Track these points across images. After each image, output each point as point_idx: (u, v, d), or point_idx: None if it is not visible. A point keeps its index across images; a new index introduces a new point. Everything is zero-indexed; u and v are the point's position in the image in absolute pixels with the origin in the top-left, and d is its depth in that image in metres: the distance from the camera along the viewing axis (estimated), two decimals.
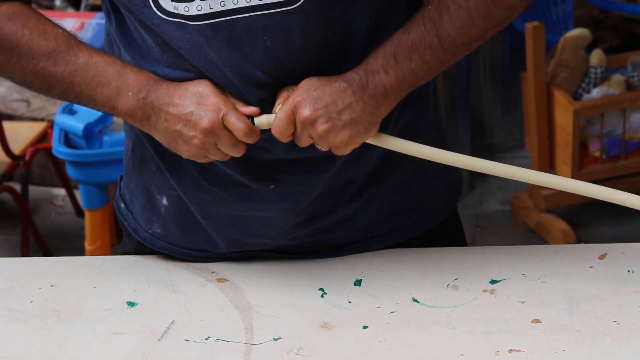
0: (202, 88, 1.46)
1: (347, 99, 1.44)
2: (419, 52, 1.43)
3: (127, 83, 1.47)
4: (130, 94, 1.47)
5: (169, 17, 1.44)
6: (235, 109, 1.45)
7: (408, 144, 1.51)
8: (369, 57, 1.45)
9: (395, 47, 1.43)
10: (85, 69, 1.48)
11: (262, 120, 1.47)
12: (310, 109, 1.43)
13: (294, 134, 1.47)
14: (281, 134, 1.46)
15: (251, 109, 1.47)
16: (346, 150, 1.47)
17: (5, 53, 1.51)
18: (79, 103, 1.52)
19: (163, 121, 1.47)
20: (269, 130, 1.48)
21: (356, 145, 1.48)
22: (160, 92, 1.47)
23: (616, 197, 1.48)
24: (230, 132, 1.45)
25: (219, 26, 1.43)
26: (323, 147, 1.47)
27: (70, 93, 1.50)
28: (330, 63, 1.47)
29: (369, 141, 1.49)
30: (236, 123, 1.44)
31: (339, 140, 1.45)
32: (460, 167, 1.79)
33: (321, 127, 1.44)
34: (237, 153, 1.47)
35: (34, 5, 1.58)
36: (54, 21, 1.53)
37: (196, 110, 1.45)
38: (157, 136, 1.50)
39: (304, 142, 1.47)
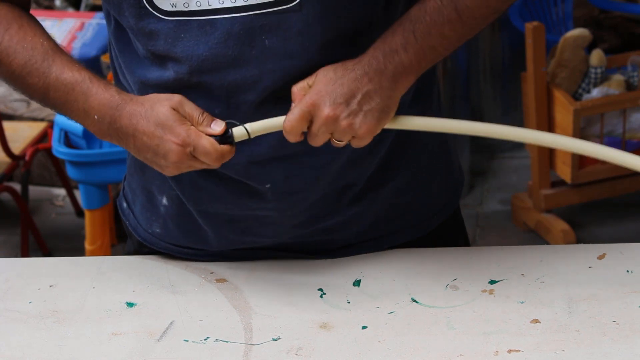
0: (163, 117, 1.43)
1: (364, 87, 1.42)
2: (438, 28, 1.42)
3: (91, 106, 1.47)
4: (95, 117, 1.47)
5: (166, 16, 1.43)
6: (202, 136, 1.42)
7: (426, 120, 1.49)
8: (385, 35, 1.44)
9: (414, 24, 1.42)
10: (56, 85, 1.48)
11: (239, 133, 1.44)
12: (330, 107, 1.41)
13: (309, 131, 1.44)
14: (293, 131, 1.42)
15: (215, 130, 1.43)
16: (368, 140, 1.45)
17: None
18: (57, 113, 1.53)
19: (132, 147, 1.46)
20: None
21: (378, 132, 1.45)
22: (124, 119, 1.45)
23: (621, 158, 1.47)
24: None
25: (218, 23, 1.43)
26: (342, 142, 1.45)
27: (47, 104, 1.51)
28: (330, 63, 1.47)
29: (388, 126, 1.47)
30: (206, 156, 1.42)
31: (364, 131, 1.43)
32: (463, 166, 1.80)
33: (344, 122, 1.42)
34: (215, 167, 1.45)
35: (33, 6, 1.57)
36: (41, 28, 1.52)
37: (162, 143, 1.42)
38: (132, 154, 1.50)
39: (321, 139, 1.44)
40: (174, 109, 1.43)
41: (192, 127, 1.43)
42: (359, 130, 1.43)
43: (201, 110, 1.44)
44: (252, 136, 1.45)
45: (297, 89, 1.44)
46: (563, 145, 1.51)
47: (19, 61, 1.48)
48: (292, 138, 1.44)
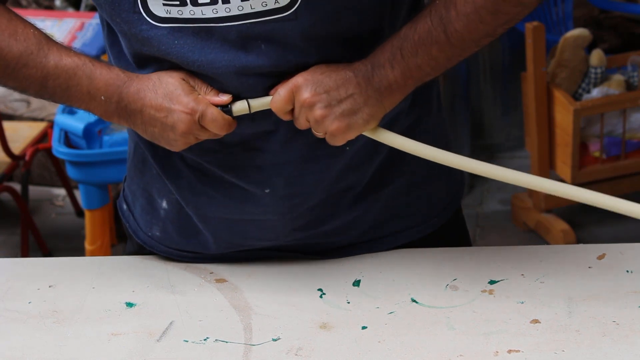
0: (172, 87, 1.45)
1: (350, 88, 1.42)
2: (426, 48, 1.40)
3: (97, 87, 1.47)
4: (102, 97, 1.47)
5: (160, 22, 1.42)
6: (209, 105, 1.45)
7: (405, 141, 1.48)
8: (376, 50, 1.44)
9: (402, 42, 1.42)
10: (56, 71, 1.47)
11: (241, 107, 1.46)
12: (310, 92, 1.42)
13: (293, 114, 1.45)
14: (278, 110, 1.45)
15: (223, 99, 1.46)
16: (340, 140, 1.45)
17: None
18: (55, 102, 1.53)
19: (140, 123, 1.47)
20: (264, 127, 1.47)
21: (352, 137, 1.46)
22: (131, 94, 1.46)
23: (617, 206, 1.46)
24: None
25: (213, 30, 1.42)
26: (319, 133, 1.45)
27: (45, 94, 1.50)
28: None
29: (367, 134, 1.47)
30: (214, 122, 1.44)
31: (334, 128, 1.43)
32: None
33: (318, 112, 1.42)
34: (221, 135, 1.47)
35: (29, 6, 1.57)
36: (27, 20, 1.51)
37: (170, 114, 1.44)
38: (140, 133, 1.50)
39: (301, 123, 1.45)
40: (183, 79, 1.45)
41: (201, 96, 1.45)
42: (329, 126, 1.43)
43: (207, 84, 1.46)
44: (251, 111, 1.46)
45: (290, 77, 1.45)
46: (557, 192, 1.49)
47: (14, 53, 1.47)
48: (280, 115, 1.46)
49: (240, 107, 1.46)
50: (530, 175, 1.49)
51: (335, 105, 1.42)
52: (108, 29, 1.52)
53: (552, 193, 1.48)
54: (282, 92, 1.44)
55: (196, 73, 1.45)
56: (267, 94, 1.47)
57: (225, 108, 1.46)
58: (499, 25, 1.41)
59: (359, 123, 1.44)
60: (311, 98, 1.42)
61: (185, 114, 1.44)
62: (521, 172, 1.49)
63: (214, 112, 1.44)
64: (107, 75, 1.47)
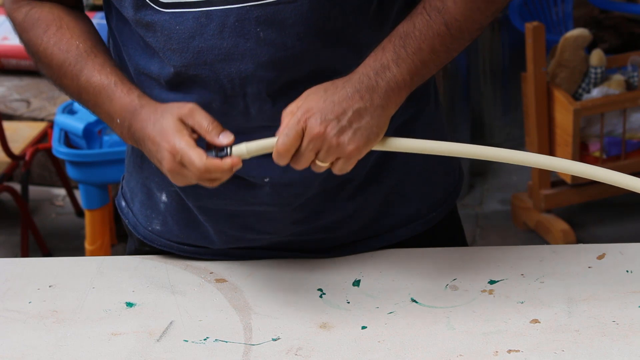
0: (166, 125, 1.42)
1: (355, 104, 1.41)
2: (429, 42, 1.43)
3: (114, 110, 1.48)
4: (118, 120, 1.48)
5: (163, 8, 1.44)
6: (192, 147, 1.39)
7: (414, 142, 1.48)
8: (375, 52, 1.44)
9: (404, 40, 1.43)
10: (87, 88, 1.50)
11: (237, 152, 1.42)
12: (320, 124, 1.40)
13: (296, 153, 1.42)
14: (287, 151, 1.40)
15: (222, 141, 1.41)
16: (352, 164, 1.43)
17: (32, 57, 1.55)
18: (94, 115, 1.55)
19: (146, 152, 1.48)
20: (260, 122, 1.47)
21: (365, 152, 1.44)
22: (138, 123, 1.46)
23: (621, 181, 1.48)
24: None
25: (213, 14, 1.43)
26: (325, 165, 1.43)
27: (82, 105, 1.54)
28: (327, 55, 1.47)
29: (378, 147, 1.45)
30: (191, 165, 1.39)
31: (352, 148, 1.41)
32: (463, 166, 1.80)
33: (333, 139, 1.40)
34: (210, 184, 1.42)
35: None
36: (81, 28, 1.53)
37: (159, 149, 1.42)
38: None
39: (306, 159, 1.42)
40: (179, 119, 1.42)
41: (187, 137, 1.41)
42: (347, 148, 1.41)
43: (211, 119, 1.42)
44: (248, 157, 1.43)
45: (286, 112, 1.43)
46: (560, 168, 1.52)
47: (56, 62, 1.51)
48: (283, 160, 1.42)
49: (237, 152, 1.42)
50: (542, 155, 1.52)
51: (347, 127, 1.41)
52: (118, 15, 1.54)
53: (573, 173, 1.50)
54: (289, 132, 1.40)
55: (196, 61, 1.46)
56: (264, 88, 1.45)
57: (222, 153, 1.41)
58: (489, 14, 1.45)
59: (372, 137, 1.43)
60: (324, 128, 1.40)
61: (168, 152, 1.41)
62: (537, 154, 1.51)
63: (192, 156, 1.39)
64: (124, 100, 1.47)
